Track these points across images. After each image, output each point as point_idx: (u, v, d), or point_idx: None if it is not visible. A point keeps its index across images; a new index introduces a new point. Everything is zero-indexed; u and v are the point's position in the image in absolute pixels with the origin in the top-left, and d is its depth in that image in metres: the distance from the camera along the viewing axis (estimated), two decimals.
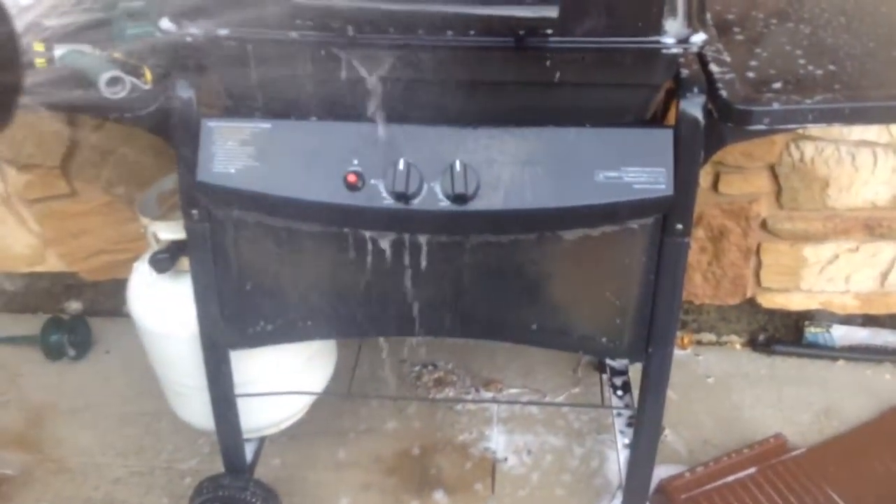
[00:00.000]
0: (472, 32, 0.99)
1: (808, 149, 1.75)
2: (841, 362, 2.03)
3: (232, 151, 1.12)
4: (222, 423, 1.46)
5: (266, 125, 1.13)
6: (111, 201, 1.95)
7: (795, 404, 1.91)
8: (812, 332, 2.05)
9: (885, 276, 1.94)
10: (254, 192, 1.13)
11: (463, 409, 1.91)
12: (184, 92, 1.10)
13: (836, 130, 1.72)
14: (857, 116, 1.06)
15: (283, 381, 1.53)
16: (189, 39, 1.03)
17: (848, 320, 2.04)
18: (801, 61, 1.14)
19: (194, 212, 1.20)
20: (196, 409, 1.53)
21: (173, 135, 1.14)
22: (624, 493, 1.53)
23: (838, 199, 1.81)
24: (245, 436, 1.52)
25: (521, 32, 0.98)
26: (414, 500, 1.70)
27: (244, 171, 1.12)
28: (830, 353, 2.04)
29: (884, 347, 2.04)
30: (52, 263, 2.09)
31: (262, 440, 1.65)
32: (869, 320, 2.04)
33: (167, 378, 1.56)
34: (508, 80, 1.06)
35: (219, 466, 1.54)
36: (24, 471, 1.78)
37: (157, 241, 1.39)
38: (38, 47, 1.08)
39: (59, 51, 1.09)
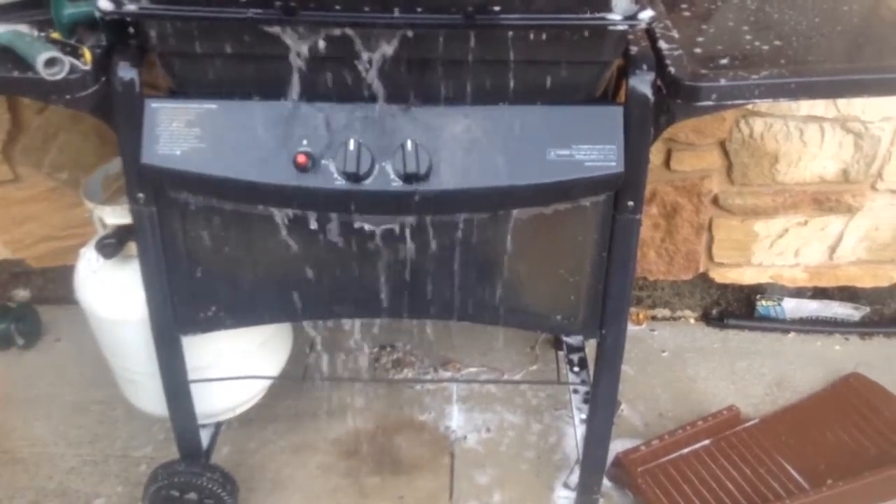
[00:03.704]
0: (419, 10, 0.98)
1: (758, 125, 1.77)
2: (792, 334, 2.07)
3: (177, 133, 1.10)
4: (176, 409, 1.44)
5: (212, 105, 1.10)
6: (56, 186, 1.90)
7: (748, 376, 1.95)
8: (763, 305, 2.09)
9: (833, 249, 1.98)
10: (200, 174, 1.10)
11: (422, 390, 1.92)
12: (125, 73, 1.07)
13: (785, 106, 1.74)
14: (803, 91, 1.07)
15: (238, 365, 1.51)
16: (129, 19, 1.00)
17: (798, 293, 2.09)
18: (748, 37, 1.15)
19: (140, 195, 1.17)
20: (149, 395, 1.51)
21: (115, 116, 1.11)
22: (581, 468, 1.55)
23: (787, 173, 1.84)
24: (200, 421, 1.50)
25: (470, 9, 0.97)
26: (374, 481, 1.70)
27: (190, 153, 1.10)
28: (782, 325, 2.08)
29: (833, 319, 2.09)
30: None
31: (217, 425, 1.63)
32: (818, 293, 2.09)
33: (119, 365, 1.53)
34: (458, 58, 1.04)
35: (174, 453, 1.52)
36: None
37: (104, 225, 1.36)
38: None
39: None
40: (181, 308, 1.30)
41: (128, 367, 1.51)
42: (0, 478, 1.71)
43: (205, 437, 1.55)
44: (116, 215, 1.34)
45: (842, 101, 1.74)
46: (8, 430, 1.82)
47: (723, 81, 1.03)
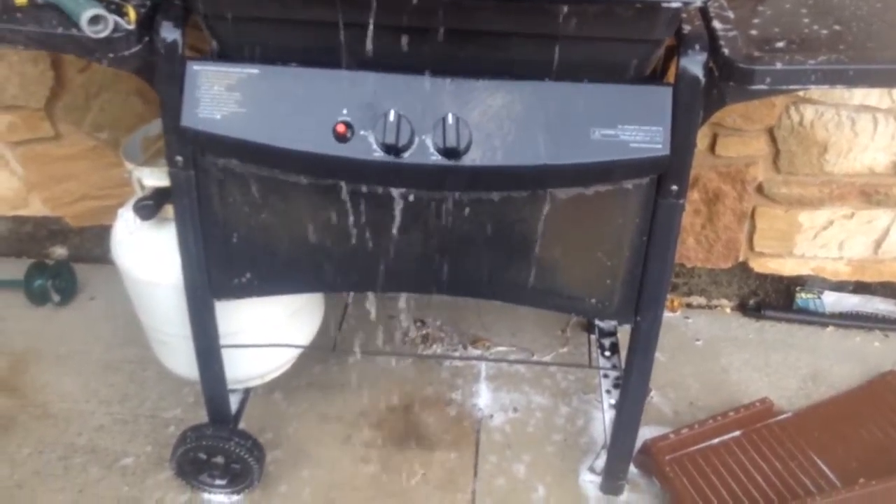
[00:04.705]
0: None
1: (808, 112, 1.72)
2: (830, 329, 2.03)
3: (218, 97, 1.09)
4: (207, 373, 1.45)
5: (254, 70, 1.09)
6: (96, 146, 1.91)
7: (783, 369, 1.92)
8: (803, 297, 2.04)
9: (878, 243, 1.93)
10: (239, 139, 1.10)
11: (450, 366, 1.91)
12: (168, 33, 1.07)
13: (837, 94, 1.69)
14: (860, 79, 1.03)
15: (269, 333, 1.52)
16: None
17: (839, 287, 2.04)
18: (806, 20, 1.11)
19: (179, 158, 1.17)
20: (181, 358, 1.52)
21: (157, 77, 1.10)
22: (608, 453, 1.54)
23: (836, 164, 1.79)
24: (230, 387, 1.51)
25: None
26: (398, 455, 1.70)
27: (230, 118, 1.09)
28: (820, 319, 2.04)
29: (874, 315, 2.04)
30: (37, 208, 2.06)
31: (247, 391, 1.64)
32: (860, 287, 2.04)
33: (151, 326, 1.54)
34: (506, 31, 1.02)
35: (203, 416, 1.54)
36: (7, 415, 1.77)
37: (142, 187, 1.36)
38: None
39: None
40: (216, 273, 1.31)
41: (160, 329, 1.52)
42: (31, 431, 1.74)
43: (234, 402, 1.56)
44: (155, 177, 1.34)
45: None
46: (41, 384, 1.85)
47: (778, 65, 1.00)
